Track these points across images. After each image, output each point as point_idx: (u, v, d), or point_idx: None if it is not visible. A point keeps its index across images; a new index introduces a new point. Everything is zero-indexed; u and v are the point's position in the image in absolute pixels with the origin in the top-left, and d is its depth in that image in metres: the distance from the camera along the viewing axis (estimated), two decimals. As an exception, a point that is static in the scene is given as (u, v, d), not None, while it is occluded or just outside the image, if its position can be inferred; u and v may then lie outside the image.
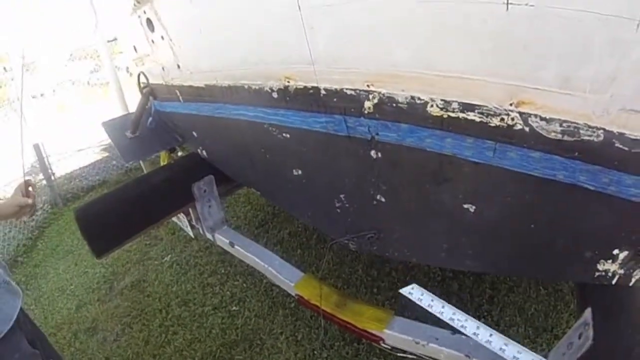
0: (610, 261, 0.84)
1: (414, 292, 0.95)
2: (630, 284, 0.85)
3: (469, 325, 0.87)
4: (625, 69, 0.63)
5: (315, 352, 1.74)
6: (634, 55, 0.61)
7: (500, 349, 0.82)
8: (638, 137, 0.68)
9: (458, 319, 0.88)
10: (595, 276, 0.87)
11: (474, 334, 0.86)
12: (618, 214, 0.77)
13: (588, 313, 0.97)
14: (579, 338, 0.97)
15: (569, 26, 0.62)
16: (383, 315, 1.30)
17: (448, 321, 0.89)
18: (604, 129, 0.70)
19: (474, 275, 1.94)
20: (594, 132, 0.71)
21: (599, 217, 0.80)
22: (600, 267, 0.86)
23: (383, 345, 1.31)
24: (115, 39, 2.83)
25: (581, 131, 0.72)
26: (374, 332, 1.28)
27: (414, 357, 1.20)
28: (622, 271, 0.84)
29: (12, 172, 4.37)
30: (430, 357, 1.16)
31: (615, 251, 0.82)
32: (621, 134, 0.69)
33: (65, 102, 9.51)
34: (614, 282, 0.86)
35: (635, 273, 0.84)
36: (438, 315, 0.91)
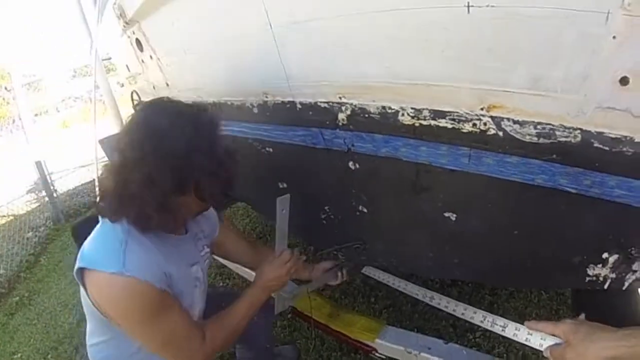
0: (600, 265, 0.81)
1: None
2: (624, 288, 0.82)
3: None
4: (597, 65, 0.59)
5: (312, 363, 1.71)
6: (605, 50, 0.57)
7: (446, 306, 0.95)
8: (618, 136, 0.65)
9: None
10: (587, 282, 0.84)
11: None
12: (603, 216, 0.74)
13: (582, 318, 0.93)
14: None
15: (533, 25, 0.59)
16: (374, 325, 1.28)
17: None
18: (580, 129, 0.67)
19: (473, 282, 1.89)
20: (570, 132, 0.68)
21: (584, 221, 0.77)
22: (590, 272, 0.82)
23: (377, 355, 1.28)
24: (109, 58, 2.86)
25: (557, 133, 0.69)
26: (365, 342, 1.26)
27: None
28: (613, 275, 0.81)
29: (16, 188, 4.46)
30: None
31: (605, 255, 0.79)
32: (600, 133, 0.66)
33: (68, 119, 9.66)
34: (606, 286, 0.82)
35: (627, 277, 0.80)
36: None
